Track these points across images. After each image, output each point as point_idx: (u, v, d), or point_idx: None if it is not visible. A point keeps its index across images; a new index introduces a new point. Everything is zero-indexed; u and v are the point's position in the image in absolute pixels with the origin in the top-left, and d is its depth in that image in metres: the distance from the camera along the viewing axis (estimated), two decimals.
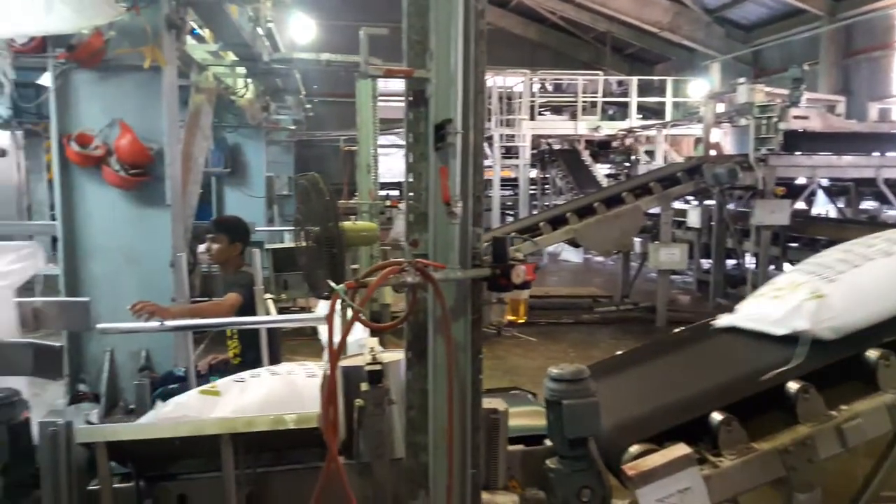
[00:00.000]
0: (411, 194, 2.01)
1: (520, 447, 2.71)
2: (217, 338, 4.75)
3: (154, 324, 3.34)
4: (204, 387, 2.66)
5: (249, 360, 3.77)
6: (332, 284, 1.91)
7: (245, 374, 2.70)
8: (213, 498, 2.50)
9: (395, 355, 2.40)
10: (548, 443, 2.72)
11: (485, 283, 1.97)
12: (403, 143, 1.94)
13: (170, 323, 3.28)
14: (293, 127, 11.32)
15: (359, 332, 4.22)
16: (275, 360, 3.60)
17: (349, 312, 1.90)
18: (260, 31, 6.09)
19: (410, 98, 1.96)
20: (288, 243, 7.97)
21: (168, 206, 4.54)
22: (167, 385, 3.80)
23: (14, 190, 8.74)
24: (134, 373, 4.35)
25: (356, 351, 3.99)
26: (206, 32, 6.07)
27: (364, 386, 2.27)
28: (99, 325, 3.13)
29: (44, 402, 4.21)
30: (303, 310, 7.08)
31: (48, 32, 3.77)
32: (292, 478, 2.58)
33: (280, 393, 2.49)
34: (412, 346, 2.08)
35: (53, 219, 9.01)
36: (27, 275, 3.01)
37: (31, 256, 3.03)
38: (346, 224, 3.77)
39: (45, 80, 5.03)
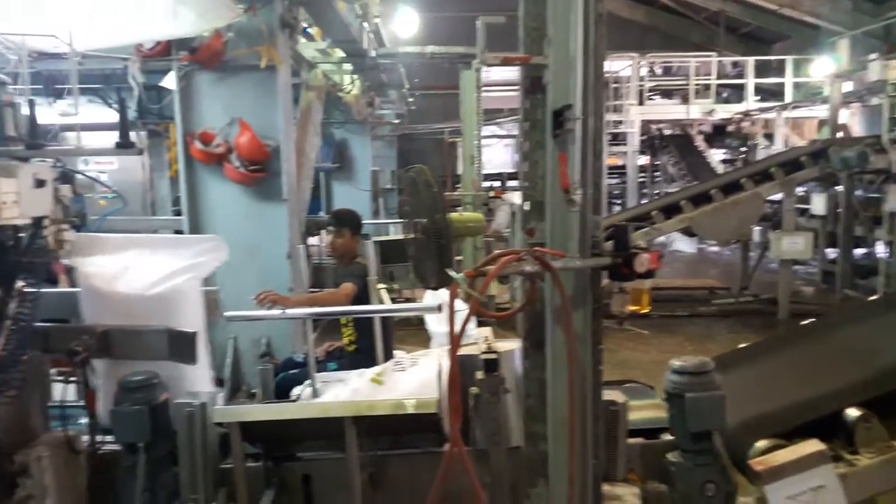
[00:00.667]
0: (527, 183, 2.00)
1: (639, 440, 2.67)
2: (329, 326, 4.90)
3: (276, 312, 3.49)
4: (373, 374, 2.76)
5: (363, 347, 3.86)
6: (452, 274, 1.93)
7: (406, 361, 2.80)
8: (336, 478, 2.60)
9: (510, 344, 2.41)
10: (668, 436, 2.66)
11: (605, 273, 1.94)
12: (505, 133, 1.94)
13: (290, 311, 3.41)
14: (397, 121, 11.50)
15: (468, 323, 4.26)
16: (388, 348, 3.68)
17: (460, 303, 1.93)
18: (366, 26, 6.21)
19: (527, 86, 1.95)
20: (393, 235, 8.11)
21: (284, 201, 4.70)
22: (287, 371, 3.95)
23: (139, 186, 9.31)
24: (255, 359, 4.55)
25: (465, 341, 4.02)
26: (314, 31, 6.24)
27: (479, 374, 2.29)
28: (226, 313, 3.29)
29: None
30: (407, 300, 7.19)
31: (173, 37, 3.98)
32: (409, 461, 2.64)
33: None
34: (529, 335, 2.08)
35: (175, 213, 9.58)
36: (212, 267, 3.12)
37: (215, 249, 3.15)
38: (453, 215, 3.81)
39: (167, 82, 5.32)
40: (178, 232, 6.26)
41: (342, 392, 3.03)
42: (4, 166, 2.43)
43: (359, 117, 8.98)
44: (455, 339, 1.90)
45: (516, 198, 7.05)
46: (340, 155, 9.75)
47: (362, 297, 3.71)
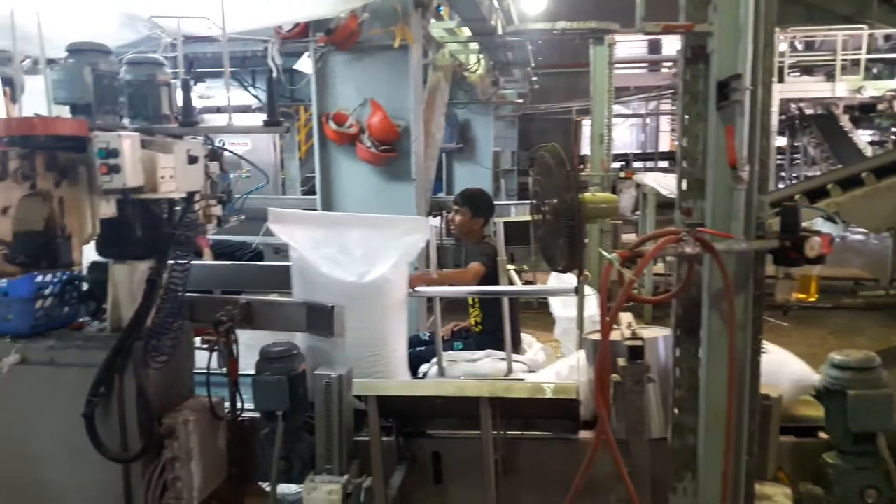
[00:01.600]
0: (685, 159, 1.87)
1: (790, 437, 2.49)
2: (452, 306, 4.89)
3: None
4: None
5: (489, 328, 3.83)
6: (605, 254, 1.84)
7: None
8: (465, 458, 2.59)
9: (656, 331, 2.29)
10: (823, 435, 2.47)
11: (770, 257, 1.79)
12: (631, 112, 1.81)
13: (420, 289, 3.42)
14: (520, 101, 11.37)
15: (592, 307, 4.13)
16: (515, 330, 3.63)
17: (586, 289, 1.83)
18: (496, 3, 6.14)
19: (688, 56, 1.82)
20: (514, 217, 8.03)
21: (413, 181, 4.74)
22: (414, 348, 3.99)
23: (271, 167, 9.70)
24: None
25: (590, 326, 3.90)
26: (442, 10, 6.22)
27: (621, 361, 2.19)
28: None
29: None
30: (527, 283, 7.10)
31: (313, 18, 4.06)
32: (541, 446, 2.59)
33: None
34: (682, 322, 1.96)
35: (304, 193, 9.92)
36: (419, 247, 3.15)
37: (421, 229, 3.18)
38: (586, 195, 3.69)
39: (300, 65, 5.46)
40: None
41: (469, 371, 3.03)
42: (161, 143, 2.55)
43: (483, 97, 8.93)
44: (606, 324, 1.81)
45: (648, 178, 6.79)
46: (463, 135, 9.76)
47: (491, 277, 3.68)
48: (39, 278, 2.64)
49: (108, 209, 2.43)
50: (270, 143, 9.54)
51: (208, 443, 2.76)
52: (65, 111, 2.64)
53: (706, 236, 1.73)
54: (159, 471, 2.59)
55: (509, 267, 3.77)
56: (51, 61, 4.71)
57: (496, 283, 3.60)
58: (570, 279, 4.59)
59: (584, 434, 2.54)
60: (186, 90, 2.70)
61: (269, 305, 3.08)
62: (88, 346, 2.61)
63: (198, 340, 3.02)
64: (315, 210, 5.18)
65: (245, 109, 7.51)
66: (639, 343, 2.09)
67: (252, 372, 2.89)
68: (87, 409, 2.47)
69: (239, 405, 2.92)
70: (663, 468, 2.19)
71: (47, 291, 2.75)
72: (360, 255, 3.00)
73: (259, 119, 6.63)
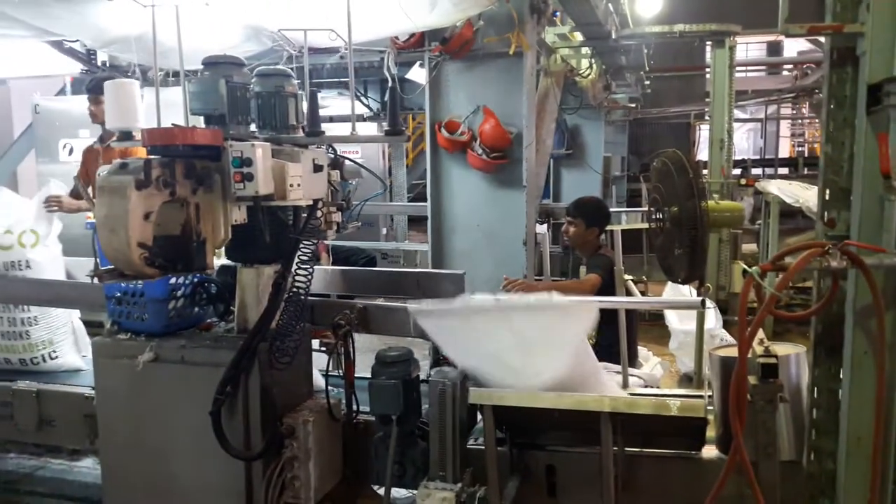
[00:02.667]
0: (828, 167, 1.75)
1: None
2: None
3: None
4: None
5: (605, 342, 3.74)
6: (745, 267, 1.75)
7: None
8: (581, 472, 2.53)
9: (790, 348, 2.16)
10: None
11: None
12: (748, 116, 1.70)
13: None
14: (632, 105, 11.11)
15: (711, 322, 3.96)
16: (632, 344, 3.53)
17: (702, 302, 1.74)
18: (611, 7, 6.03)
19: (834, 58, 1.70)
20: (625, 224, 7.84)
21: (524, 188, 4.71)
22: None
23: (379, 174, 9.88)
24: None
25: (709, 341, 3.74)
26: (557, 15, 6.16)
27: (752, 379, 2.08)
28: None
29: None
30: (640, 294, 6.90)
31: (431, 27, 4.12)
32: (661, 464, 2.49)
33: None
34: (821, 340, 1.83)
35: (410, 200, 10.06)
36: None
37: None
38: (709, 203, 3.53)
39: (412, 74, 5.54)
40: (409, 217, 6.46)
41: None
42: (289, 152, 2.64)
43: (594, 102, 8.78)
44: (745, 339, 1.72)
45: (770, 186, 6.45)
46: (572, 141, 9.63)
47: (607, 290, 3.58)
48: (172, 280, 2.78)
49: (239, 215, 2.54)
50: (379, 150, 9.76)
51: (325, 444, 2.83)
52: (197, 121, 2.79)
53: (853, 249, 1.61)
54: (279, 469, 2.67)
55: (627, 278, 3.66)
56: (176, 73, 4.99)
57: (612, 294, 3.51)
58: (686, 291, 4.44)
59: (706, 452, 2.43)
60: (313, 101, 2.79)
61: (384, 310, 3.12)
62: (217, 346, 2.73)
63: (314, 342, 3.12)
64: (424, 216, 5.24)
65: (357, 118, 7.71)
66: (772, 361, 1.98)
67: (366, 375, 2.96)
68: (214, 407, 2.58)
69: (354, 408, 2.99)
70: (793, 493, 2.06)
71: (179, 293, 2.90)
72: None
73: (372, 128, 6.83)
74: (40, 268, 3.83)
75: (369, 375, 2.84)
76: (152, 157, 2.24)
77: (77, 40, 5.82)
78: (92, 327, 4.78)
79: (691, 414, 2.08)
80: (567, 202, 9.60)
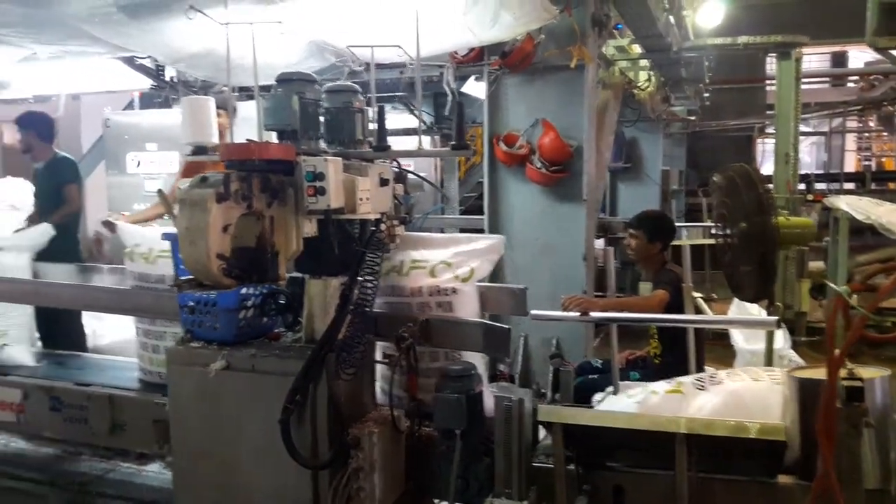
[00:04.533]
0: None
1: None
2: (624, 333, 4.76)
3: (576, 314, 3.44)
4: (669, 385, 2.64)
5: (670, 360, 3.68)
6: (833, 286, 1.70)
7: (705, 376, 2.63)
8: (651, 494, 2.48)
9: (874, 371, 2.09)
10: None
11: None
12: (812, 129, 1.64)
13: (595, 314, 3.35)
14: (692, 118, 10.94)
15: (780, 341, 3.86)
16: (700, 363, 3.45)
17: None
18: (672, 19, 5.96)
19: None
20: (685, 240, 7.71)
21: (584, 202, 4.68)
22: (585, 375, 3.91)
23: (432, 188, 9.92)
24: (544, 358, 4.59)
25: (778, 362, 3.63)
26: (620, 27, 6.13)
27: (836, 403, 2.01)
28: (533, 312, 3.32)
29: None
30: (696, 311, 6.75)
31: (492, 41, 4.14)
32: (734, 489, 2.42)
33: (738, 400, 2.34)
34: None
35: (462, 212, 10.10)
36: (491, 265, 3.24)
37: (495, 250, 3.26)
38: (779, 219, 3.45)
39: (468, 88, 5.57)
40: (461, 230, 6.50)
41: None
42: (357, 166, 2.69)
43: (652, 115, 8.69)
44: (835, 360, 1.68)
45: (840, 202, 6.25)
46: (630, 154, 9.53)
47: (675, 307, 3.51)
48: (243, 291, 2.84)
49: (310, 228, 2.59)
50: (432, 163, 9.83)
51: (390, 456, 2.84)
52: (269, 136, 2.86)
53: None
54: (345, 480, 2.70)
55: (696, 295, 3.59)
56: (243, 89, 5.14)
57: (679, 312, 3.44)
58: (752, 309, 4.33)
59: (782, 478, 2.35)
60: (381, 116, 2.83)
61: (447, 324, 3.13)
62: (286, 356, 2.78)
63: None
64: (477, 229, 5.25)
65: (411, 132, 7.82)
66: (857, 384, 1.91)
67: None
68: (283, 416, 2.62)
69: (417, 421, 3.00)
70: None
71: (250, 303, 2.97)
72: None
73: (425, 141, 6.87)
74: None
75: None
76: (230, 171, 2.30)
77: (148, 57, 6.03)
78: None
79: (772, 437, 2.02)
80: (624, 216, 9.54)
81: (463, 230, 10.36)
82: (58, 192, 4.99)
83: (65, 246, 4.84)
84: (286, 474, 2.68)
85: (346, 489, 2.69)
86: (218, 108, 3.09)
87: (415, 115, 7.78)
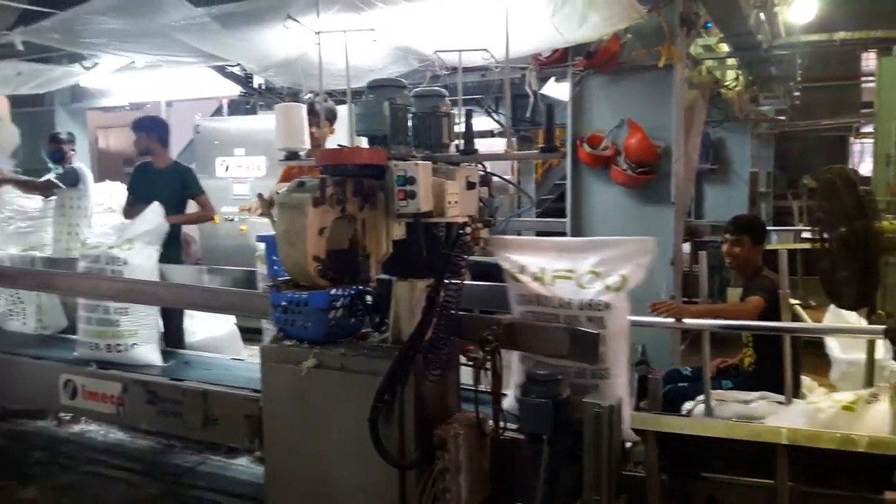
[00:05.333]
0: None
1: None
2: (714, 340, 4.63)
3: (670, 319, 3.37)
4: (846, 401, 2.54)
5: (764, 369, 3.55)
6: None
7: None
8: None
9: None
10: None
11: None
12: None
13: (689, 321, 3.26)
14: (781, 118, 10.52)
15: (880, 352, 3.66)
16: (796, 373, 3.32)
17: None
18: (762, 16, 5.76)
19: None
20: (775, 244, 7.44)
21: (672, 204, 4.58)
22: (675, 383, 3.82)
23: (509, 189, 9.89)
24: (629, 365, 4.50)
25: (879, 373, 3.44)
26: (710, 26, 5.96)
27: None
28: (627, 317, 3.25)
29: None
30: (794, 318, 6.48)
31: (578, 42, 4.10)
32: None
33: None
34: None
35: (539, 215, 10.02)
36: (644, 271, 2.91)
37: (646, 251, 2.94)
38: (883, 224, 3.28)
39: (548, 89, 5.52)
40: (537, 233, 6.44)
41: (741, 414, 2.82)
42: (445, 170, 2.71)
43: (740, 115, 8.42)
44: None
45: None
46: (716, 155, 9.26)
47: (770, 314, 3.38)
48: (333, 291, 2.91)
49: (398, 231, 2.63)
50: (509, 166, 9.80)
51: (475, 458, 2.85)
52: (357, 140, 2.92)
53: None
54: (432, 480, 2.72)
55: (793, 302, 3.45)
56: (330, 93, 5.24)
57: (775, 319, 3.32)
58: (849, 317, 4.12)
59: (889, 494, 2.24)
60: (469, 120, 2.84)
61: (532, 328, 3.11)
62: (374, 356, 2.82)
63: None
64: (554, 232, 5.21)
65: (487, 134, 7.82)
66: None
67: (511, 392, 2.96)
68: (372, 415, 2.65)
69: (501, 424, 2.99)
70: None
71: (339, 303, 3.04)
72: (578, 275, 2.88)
73: (502, 143, 6.87)
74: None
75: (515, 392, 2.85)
76: (326, 176, 2.36)
77: (237, 65, 6.26)
78: (249, 333, 5.11)
79: (883, 451, 1.93)
80: (709, 219, 9.26)
81: (541, 233, 10.32)
82: (180, 197, 5.22)
83: (174, 249, 5.05)
84: (374, 471, 2.72)
85: (432, 489, 2.71)
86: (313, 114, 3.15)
87: (493, 118, 7.80)
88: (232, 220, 7.34)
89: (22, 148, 6.18)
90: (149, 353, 4.28)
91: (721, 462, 2.51)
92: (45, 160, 6.46)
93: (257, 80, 6.96)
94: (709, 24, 5.52)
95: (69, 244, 6.05)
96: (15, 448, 4.68)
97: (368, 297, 3.09)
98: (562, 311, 2.91)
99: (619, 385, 2.79)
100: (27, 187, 6.12)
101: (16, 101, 7.81)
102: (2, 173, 6.13)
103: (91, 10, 4.19)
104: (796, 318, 3.49)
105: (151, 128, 5.40)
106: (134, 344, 4.24)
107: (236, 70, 6.67)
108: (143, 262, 4.32)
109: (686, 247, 7.72)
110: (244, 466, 4.39)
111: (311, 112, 4.85)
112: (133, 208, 5.16)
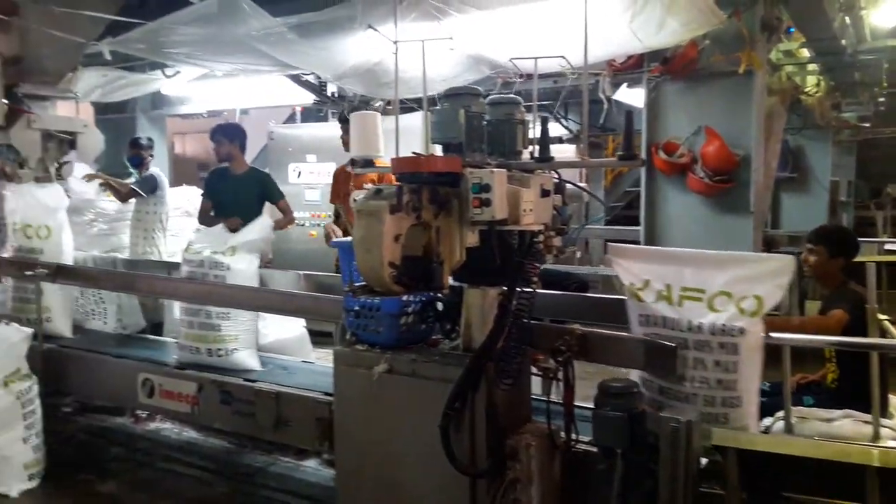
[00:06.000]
0: None
1: None
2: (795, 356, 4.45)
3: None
4: None
5: (849, 386, 3.38)
6: None
7: None
8: None
9: None
10: None
11: None
12: None
13: (776, 335, 3.13)
14: (865, 124, 10.09)
15: None
16: (884, 392, 3.14)
17: None
18: (847, 20, 5.54)
19: None
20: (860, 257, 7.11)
21: (750, 214, 4.45)
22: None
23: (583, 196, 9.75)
24: None
25: None
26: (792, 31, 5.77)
27: None
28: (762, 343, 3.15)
29: None
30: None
31: (656, 48, 4.03)
32: None
33: None
34: None
35: (607, 223, 9.86)
36: (781, 293, 2.70)
37: (784, 272, 2.70)
38: None
39: (620, 95, 5.42)
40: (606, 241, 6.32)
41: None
42: (519, 178, 2.69)
43: (821, 122, 8.11)
44: None
45: None
46: (795, 163, 8.93)
47: (856, 329, 3.22)
48: (405, 297, 2.92)
49: (472, 238, 2.62)
50: (577, 173, 9.68)
51: (546, 470, 2.80)
52: (431, 147, 2.92)
53: None
54: (503, 490, 2.69)
55: (882, 317, 3.28)
56: (402, 101, 5.28)
57: (861, 334, 3.16)
58: None
59: None
60: (545, 127, 2.82)
61: (607, 339, 3.05)
62: (445, 363, 2.81)
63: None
64: (637, 242, 5.09)
65: (556, 141, 7.74)
66: None
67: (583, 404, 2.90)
68: (443, 422, 2.65)
69: (573, 436, 2.94)
70: None
71: (410, 309, 3.05)
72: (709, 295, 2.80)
73: (571, 149, 6.73)
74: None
75: (586, 404, 2.80)
76: (402, 183, 2.37)
77: (311, 73, 6.38)
78: (319, 336, 5.18)
79: None
80: (787, 229, 8.94)
81: (611, 240, 10.14)
82: (259, 203, 5.34)
83: None
84: (445, 478, 2.70)
85: (503, 499, 2.69)
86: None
87: (562, 123, 7.73)
88: (303, 224, 7.48)
89: (105, 153, 6.43)
90: (248, 358, 4.31)
91: (804, 482, 2.41)
92: (125, 164, 6.74)
93: (330, 88, 7.08)
94: (791, 29, 5.34)
95: (145, 248, 6.28)
96: (94, 443, 4.85)
97: (439, 304, 3.10)
98: (691, 335, 2.77)
99: (750, 415, 2.63)
100: (113, 191, 6.36)
101: (99, 108, 8.16)
102: (97, 175, 6.36)
103: (175, 21, 4.34)
104: (884, 333, 3.31)
105: (234, 135, 5.57)
106: (234, 349, 4.27)
107: (310, 78, 6.80)
108: (244, 267, 4.39)
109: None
110: (313, 469, 4.44)
111: (344, 121, 4.98)
112: (210, 215, 5.32)
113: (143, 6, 5.21)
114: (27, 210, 5.05)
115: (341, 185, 5.17)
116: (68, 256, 5.19)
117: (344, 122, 5.03)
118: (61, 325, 5.07)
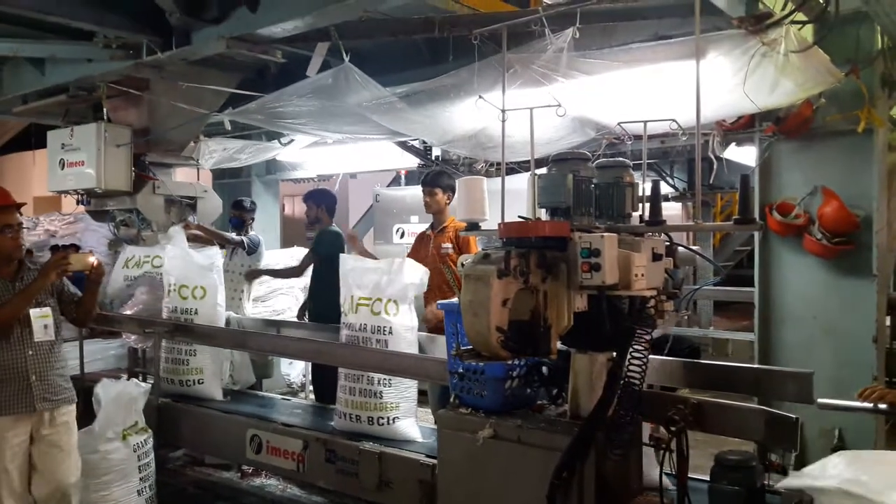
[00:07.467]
0: None
1: None
2: None
3: (868, 405, 3.02)
4: None
5: None
6: None
7: None
8: None
9: None
10: None
11: None
12: None
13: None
14: None
15: None
16: None
17: None
18: None
19: None
20: None
21: (874, 277, 4.19)
22: None
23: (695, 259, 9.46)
24: (825, 450, 4.10)
25: None
26: None
27: None
28: (820, 400, 2.98)
29: None
30: None
31: (769, 108, 3.92)
32: None
33: None
34: None
35: (716, 284, 9.45)
36: None
37: None
38: None
39: (729, 154, 5.26)
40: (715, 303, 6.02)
41: None
42: (630, 241, 2.65)
43: None
44: None
45: None
46: None
47: None
48: (509, 361, 2.90)
49: (580, 303, 2.59)
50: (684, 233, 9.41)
51: None
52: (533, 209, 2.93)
53: None
54: None
55: None
56: (508, 164, 5.31)
57: None
58: None
59: None
60: (656, 190, 2.79)
61: (722, 408, 2.92)
62: (552, 430, 2.77)
63: None
64: (731, 302, 4.88)
65: (663, 199, 7.57)
66: None
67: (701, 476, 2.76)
68: (550, 492, 2.59)
69: None
70: None
71: (515, 373, 3.03)
72: None
73: (677, 207, 6.52)
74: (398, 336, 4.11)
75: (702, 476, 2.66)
76: (510, 248, 2.39)
77: (417, 139, 6.59)
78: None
79: None
80: None
81: (721, 303, 9.67)
82: (333, 258, 5.51)
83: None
84: None
85: None
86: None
87: (668, 182, 7.59)
88: None
89: (223, 216, 6.79)
90: (409, 427, 4.10)
91: None
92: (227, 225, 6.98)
93: (434, 152, 7.28)
94: None
95: (231, 307, 6.15)
96: (203, 497, 4.99)
97: (544, 368, 3.06)
98: None
99: None
100: (215, 237, 6.37)
101: (217, 173, 8.68)
102: (190, 225, 6.12)
103: (291, 93, 4.61)
104: None
105: (323, 200, 5.86)
106: (395, 418, 4.07)
107: (416, 143, 7.02)
108: (408, 322, 4.15)
109: (887, 320, 6.98)
110: None
111: (426, 184, 5.11)
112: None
113: (261, 78, 5.57)
114: (183, 270, 5.13)
115: (420, 247, 5.30)
116: (221, 317, 5.24)
117: (426, 185, 5.18)
118: (213, 389, 5.06)
